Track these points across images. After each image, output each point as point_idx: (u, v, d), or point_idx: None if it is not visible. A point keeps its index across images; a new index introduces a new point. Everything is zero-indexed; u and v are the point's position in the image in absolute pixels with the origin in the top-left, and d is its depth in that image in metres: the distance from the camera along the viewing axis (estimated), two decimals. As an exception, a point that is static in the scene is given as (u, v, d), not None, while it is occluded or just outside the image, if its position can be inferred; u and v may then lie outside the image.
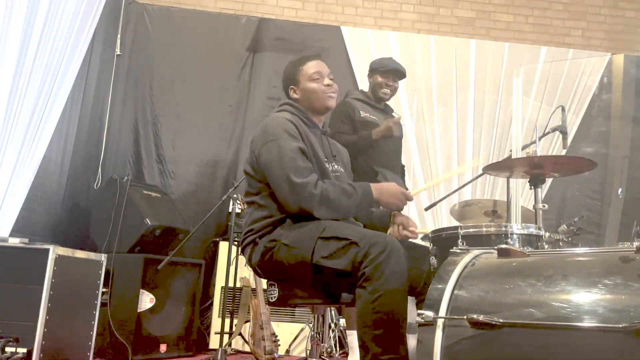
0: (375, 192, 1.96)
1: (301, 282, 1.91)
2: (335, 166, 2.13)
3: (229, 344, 3.53)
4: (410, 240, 2.64)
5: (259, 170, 1.98)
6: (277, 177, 1.88)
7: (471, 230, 2.19)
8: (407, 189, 3.16)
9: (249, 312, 3.49)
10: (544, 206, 2.44)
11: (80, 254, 2.81)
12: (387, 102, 3.24)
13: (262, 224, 1.95)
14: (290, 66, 2.17)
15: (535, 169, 2.41)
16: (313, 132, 2.09)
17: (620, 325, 1.08)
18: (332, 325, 3.45)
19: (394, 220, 2.12)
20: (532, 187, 2.47)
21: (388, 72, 3.10)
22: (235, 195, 3.45)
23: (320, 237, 1.80)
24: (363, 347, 1.64)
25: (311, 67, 2.12)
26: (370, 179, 2.61)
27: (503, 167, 2.58)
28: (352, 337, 2.68)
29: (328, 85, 2.10)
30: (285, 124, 1.97)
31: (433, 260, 2.19)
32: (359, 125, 3.00)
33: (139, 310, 3.18)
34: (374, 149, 2.96)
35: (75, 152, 3.74)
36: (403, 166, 3.30)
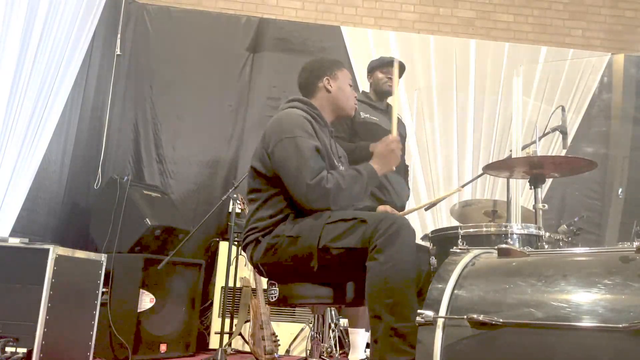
0: (377, 167, 2.00)
1: (304, 278, 1.91)
2: (342, 167, 2.13)
3: (229, 344, 3.53)
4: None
5: (269, 167, 1.95)
6: (292, 177, 1.87)
7: (471, 230, 2.19)
8: (409, 189, 3.18)
9: (249, 312, 3.49)
10: (544, 206, 2.44)
11: (80, 254, 2.81)
12: (389, 103, 3.23)
13: (266, 223, 1.94)
14: (326, 60, 2.20)
15: (535, 169, 2.41)
16: (324, 132, 2.08)
17: (620, 325, 1.08)
18: (332, 325, 3.45)
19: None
20: (532, 187, 2.47)
21: (387, 65, 3.09)
22: (235, 195, 3.45)
23: (327, 223, 1.81)
24: (375, 317, 1.65)
25: (348, 73, 2.19)
26: None
27: (503, 167, 2.58)
28: (354, 336, 2.69)
29: (355, 96, 2.19)
30: (301, 121, 1.95)
31: (433, 260, 2.20)
32: (359, 126, 2.99)
33: (139, 310, 3.18)
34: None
35: (75, 152, 3.74)
36: (407, 166, 3.30)
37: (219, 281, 3.83)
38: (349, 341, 3.30)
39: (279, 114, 2.02)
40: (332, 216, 1.83)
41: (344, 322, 3.48)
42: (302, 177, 1.83)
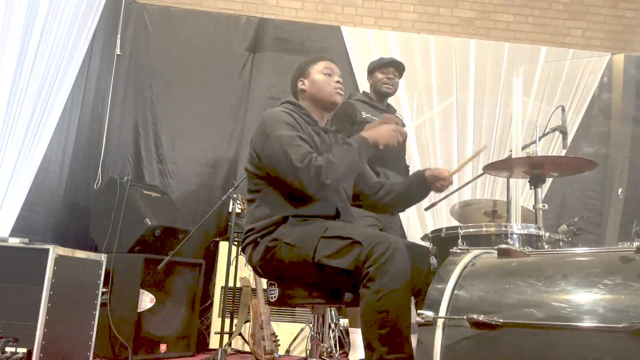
0: (368, 135, 1.99)
1: (302, 282, 1.91)
2: None
3: (229, 344, 3.53)
4: (410, 240, 2.63)
5: (260, 167, 1.97)
6: (284, 167, 1.87)
7: (471, 230, 2.19)
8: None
9: (249, 312, 3.49)
10: (544, 206, 2.43)
11: (80, 254, 2.81)
12: (389, 103, 3.23)
13: (263, 224, 1.94)
14: (303, 62, 2.21)
15: (535, 169, 2.40)
16: (313, 129, 2.08)
17: (620, 325, 1.08)
18: (332, 325, 3.45)
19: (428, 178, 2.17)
20: (532, 187, 2.47)
21: (387, 65, 3.09)
22: (235, 195, 3.45)
23: (323, 237, 1.81)
24: (369, 347, 1.64)
25: (323, 63, 2.16)
26: None
27: (503, 167, 2.58)
28: (355, 335, 2.69)
29: (338, 81, 2.13)
30: (282, 115, 1.99)
31: (433, 260, 2.19)
32: (360, 126, 2.97)
33: (139, 310, 3.19)
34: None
35: (75, 152, 3.74)
36: (407, 166, 3.29)
37: (219, 281, 3.83)
38: (349, 341, 3.30)
39: (264, 114, 2.06)
40: (329, 230, 1.82)
41: (344, 322, 3.48)
42: (292, 163, 1.83)
